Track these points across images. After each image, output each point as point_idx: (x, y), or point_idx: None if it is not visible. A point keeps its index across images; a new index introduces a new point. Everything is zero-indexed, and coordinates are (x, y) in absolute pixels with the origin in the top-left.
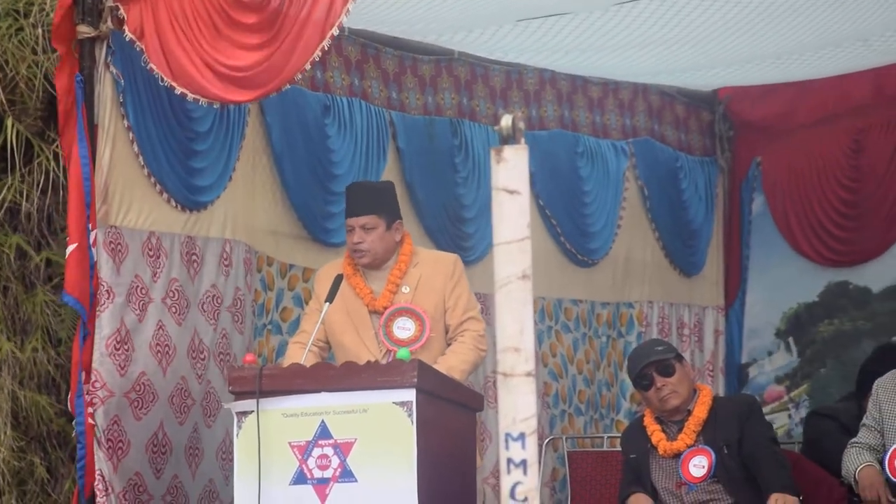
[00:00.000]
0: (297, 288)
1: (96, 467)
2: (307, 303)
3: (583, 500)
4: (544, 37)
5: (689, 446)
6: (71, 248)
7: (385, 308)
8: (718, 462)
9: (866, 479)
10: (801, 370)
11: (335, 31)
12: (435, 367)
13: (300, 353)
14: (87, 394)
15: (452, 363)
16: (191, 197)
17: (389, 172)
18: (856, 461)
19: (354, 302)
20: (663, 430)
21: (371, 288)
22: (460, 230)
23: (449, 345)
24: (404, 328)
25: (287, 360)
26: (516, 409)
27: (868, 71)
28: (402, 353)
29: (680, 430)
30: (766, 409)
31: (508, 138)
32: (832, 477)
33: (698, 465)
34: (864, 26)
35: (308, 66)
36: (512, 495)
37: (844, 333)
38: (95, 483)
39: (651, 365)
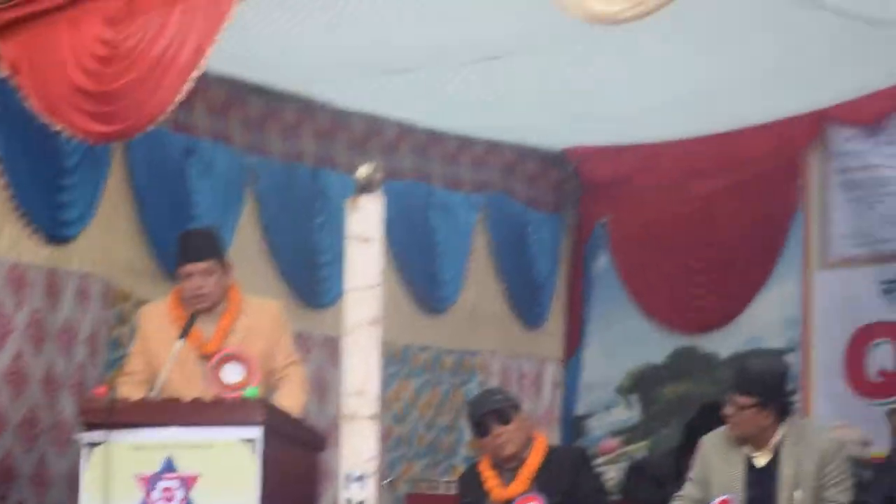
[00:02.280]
0: None
1: None
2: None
3: None
4: (404, 90)
5: (521, 493)
6: None
7: (215, 353)
8: None
9: None
10: (642, 427)
11: (198, 74)
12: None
13: (135, 391)
14: None
15: (289, 404)
16: (55, 231)
17: (248, 215)
18: None
19: (172, 337)
20: (498, 476)
21: (201, 332)
22: (315, 275)
23: (271, 388)
24: (233, 373)
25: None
26: (358, 450)
27: (715, 135)
28: (251, 391)
29: (514, 476)
30: (599, 461)
31: (365, 188)
32: None
33: None
34: (709, 88)
35: (171, 108)
36: None
37: (690, 396)
38: None
39: (489, 413)
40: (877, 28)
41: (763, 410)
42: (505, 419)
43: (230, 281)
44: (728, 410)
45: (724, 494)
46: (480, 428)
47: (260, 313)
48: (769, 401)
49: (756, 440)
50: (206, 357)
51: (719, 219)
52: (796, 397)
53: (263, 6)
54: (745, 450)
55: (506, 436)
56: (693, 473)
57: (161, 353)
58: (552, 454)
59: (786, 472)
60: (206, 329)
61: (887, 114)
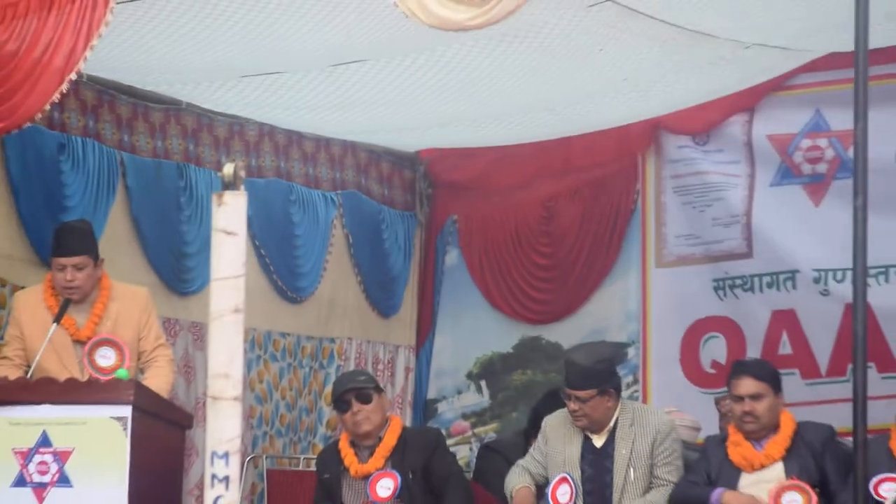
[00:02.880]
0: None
1: None
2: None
3: None
4: (265, 93)
5: (377, 469)
6: None
7: (88, 338)
8: (404, 485)
9: (518, 499)
10: (491, 411)
11: (73, 77)
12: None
13: (12, 373)
14: None
15: (159, 384)
16: None
17: (118, 208)
18: (515, 481)
19: (58, 331)
20: (356, 454)
21: (74, 319)
22: (181, 264)
23: (141, 369)
24: (106, 357)
25: None
26: (223, 429)
27: (559, 140)
28: (121, 373)
29: (371, 454)
30: (450, 442)
31: (230, 184)
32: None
33: (384, 487)
34: (553, 97)
35: (46, 107)
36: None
37: (536, 383)
38: None
39: (352, 391)
40: (701, 43)
41: (603, 396)
42: (366, 399)
43: (100, 273)
44: (572, 406)
45: (562, 473)
46: (342, 405)
47: (129, 299)
48: (607, 386)
49: (601, 423)
50: (80, 342)
51: (562, 218)
52: (636, 387)
53: (134, 14)
54: (585, 431)
55: (363, 414)
56: (534, 450)
57: (35, 338)
58: (407, 434)
59: (621, 452)
60: (79, 316)
61: (716, 124)
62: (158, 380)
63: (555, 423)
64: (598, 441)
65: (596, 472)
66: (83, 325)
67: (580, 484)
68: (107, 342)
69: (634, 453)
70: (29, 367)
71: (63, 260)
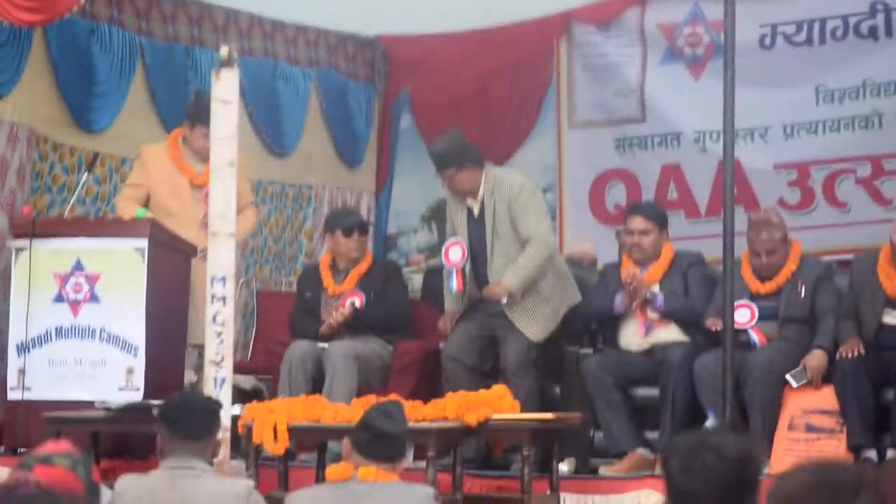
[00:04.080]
0: (65, 160)
1: None
2: (74, 170)
3: (265, 324)
4: None
5: (349, 289)
6: None
7: (205, 184)
8: (367, 302)
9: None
10: (438, 246)
11: None
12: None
13: (130, 206)
14: None
15: (239, 229)
16: None
17: (137, 82)
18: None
19: (179, 177)
20: (332, 276)
21: (193, 169)
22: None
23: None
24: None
25: (119, 209)
26: (220, 259)
27: (490, 28)
28: (140, 213)
29: (345, 277)
30: (407, 269)
31: (226, 63)
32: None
33: (354, 304)
34: None
35: (82, 2)
36: (214, 320)
37: None
38: None
39: (358, 223)
40: None
41: (462, 171)
42: (365, 231)
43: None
44: (444, 184)
45: (454, 237)
46: (347, 230)
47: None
48: (463, 162)
49: (473, 193)
50: (197, 187)
51: (492, 90)
52: (554, 223)
53: None
54: (468, 201)
55: (359, 243)
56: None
57: (158, 182)
58: (374, 264)
59: (488, 217)
60: (196, 167)
61: (617, 15)
62: (239, 226)
63: (449, 200)
64: (475, 209)
65: (475, 236)
66: (201, 173)
67: (468, 247)
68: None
69: (496, 218)
70: (143, 203)
71: (201, 127)
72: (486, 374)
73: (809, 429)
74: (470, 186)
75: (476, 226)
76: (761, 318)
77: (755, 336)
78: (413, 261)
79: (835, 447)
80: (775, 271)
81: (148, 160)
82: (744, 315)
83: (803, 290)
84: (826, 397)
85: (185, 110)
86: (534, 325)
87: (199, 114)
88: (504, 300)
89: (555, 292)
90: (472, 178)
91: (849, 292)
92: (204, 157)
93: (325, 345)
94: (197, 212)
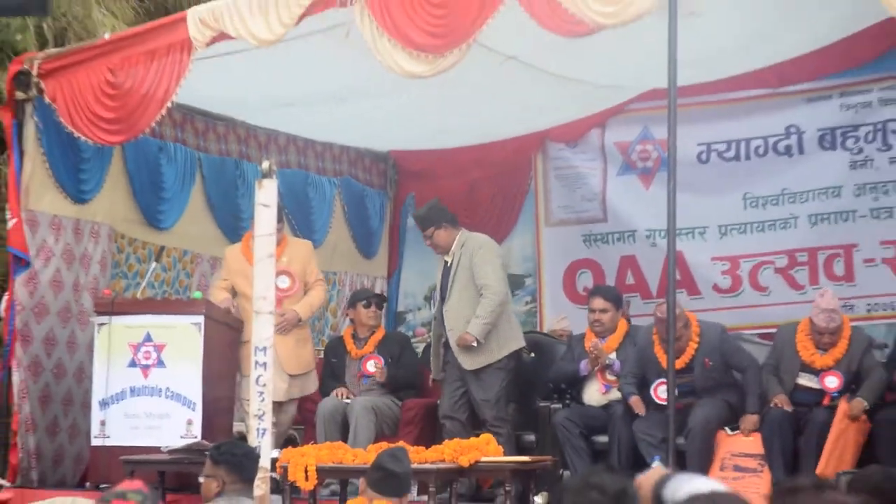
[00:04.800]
0: (138, 252)
1: (12, 352)
2: (145, 260)
3: None
4: (290, 116)
5: (369, 353)
6: (12, 221)
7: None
8: (385, 365)
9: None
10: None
11: (168, 105)
12: (302, 302)
13: (221, 294)
14: (12, 308)
15: (310, 301)
16: (78, 196)
17: (197, 190)
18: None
19: (247, 265)
20: (354, 343)
21: None
22: (237, 225)
23: (306, 292)
24: (284, 281)
25: (212, 297)
26: (262, 332)
27: (481, 145)
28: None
29: (365, 343)
30: (414, 340)
31: (266, 174)
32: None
33: (373, 364)
34: (473, 122)
35: (152, 124)
36: (257, 382)
37: None
38: (13, 362)
39: (375, 298)
40: (572, 84)
41: (440, 229)
42: (380, 305)
43: (282, 233)
44: (427, 242)
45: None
46: (366, 303)
47: (299, 246)
48: (440, 222)
49: (447, 248)
50: None
51: (481, 194)
52: (534, 304)
53: (207, 65)
54: (445, 256)
55: (376, 314)
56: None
57: (236, 273)
58: (387, 334)
59: (454, 268)
60: None
61: (582, 135)
62: (310, 298)
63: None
64: (449, 261)
65: (444, 282)
66: None
67: (438, 292)
68: (284, 272)
69: (460, 267)
70: (230, 291)
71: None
72: (474, 425)
73: (736, 468)
74: (445, 243)
75: (445, 273)
76: (682, 394)
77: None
78: (418, 332)
79: (757, 485)
80: (682, 350)
81: (229, 258)
82: (663, 391)
83: (710, 363)
84: (750, 444)
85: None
86: (471, 357)
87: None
88: (474, 345)
89: (496, 332)
90: (448, 236)
91: (771, 356)
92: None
93: (349, 400)
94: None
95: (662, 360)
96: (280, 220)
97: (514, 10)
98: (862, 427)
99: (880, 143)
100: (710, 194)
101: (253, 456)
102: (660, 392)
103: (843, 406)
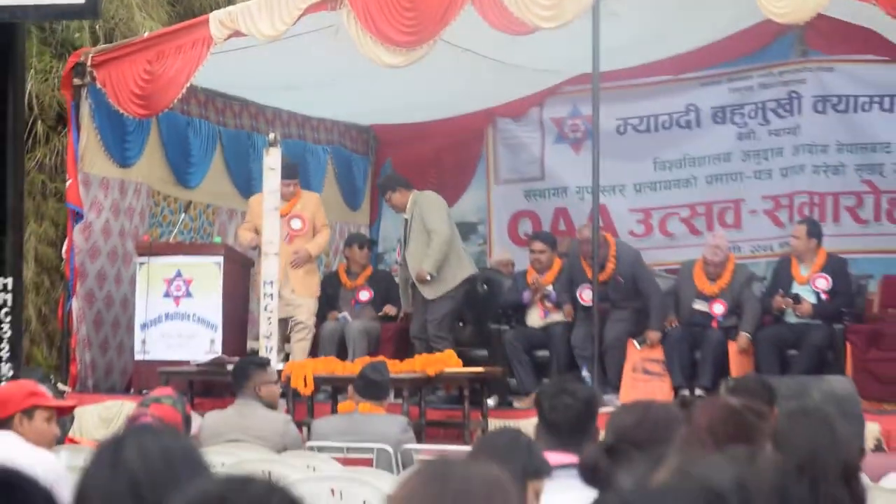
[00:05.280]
0: (170, 206)
1: (74, 286)
2: (177, 212)
3: None
4: (291, 97)
5: (360, 284)
6: (69, 182)
7: (286, 213)
8: (376, 294)
9: None
10: None
11: (186, 86)
12: (313, 242)
13: (248, 234)
14: (71, 251)
15: (318, 242)
16: (123, 161)
17: (217, 157)
18: None
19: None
20: (348, 277)
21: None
22: (250, 184)
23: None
24: (296, 224)
25: (240, 237)
26: (270, 268)
27: (441, 120)
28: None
29: (356, 278)
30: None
31: (272, 144)
32: None
33: (364, 295)
34: (440, 99)
35: (175, 101)
36: (265, 308)
37: None
38: (73, 296)
39: (368, 241)
40: (514, 70)
41: (395, 192)
42: (370, 247)
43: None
44: (389, 204)
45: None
46: (361, 244)
47: (308, 198)
48: (394, 185)
49: (404, 208)
50: (282, 216)
51: (444, 159)
52: (484, 245)
53: (226, 57)
54: (404, 214)
55: (365, 255)
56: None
57: (258, 216)
58: (375, 272)
59: (410, 222)
60: (282, 203)
61: (525, 111)
62: (319, 239)
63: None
64: (407, 217)
65: (405, 234)
66: (282, 207)
67: (403, 243)
68: (297, 216)
69: (414, 220)
70: (254, 230)
71: (286, 181)
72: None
73: (645, 372)
74: (401, 203)
75: (406, 227)
76: (601, 300)
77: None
78: (393, 270)
79: (661, 387)
80: (602, 267)
81: (254, 205)
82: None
83: (621, 281)
84: (655, 353)
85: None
86: (430, 289)
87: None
88: (428, 277)
89: (448, 266)
90: (402, 198)
91: (674, 286)
92: (285, 197)
93: (342, 316)
94: (283, 231)
95: (587, 271)
96: (296, 175)
97: (470, 14)
98: (750, 347)
99: (761, 119)
100: (626, 159)
101: (254, 365)
102: (584, 296)
103: (733, 345)
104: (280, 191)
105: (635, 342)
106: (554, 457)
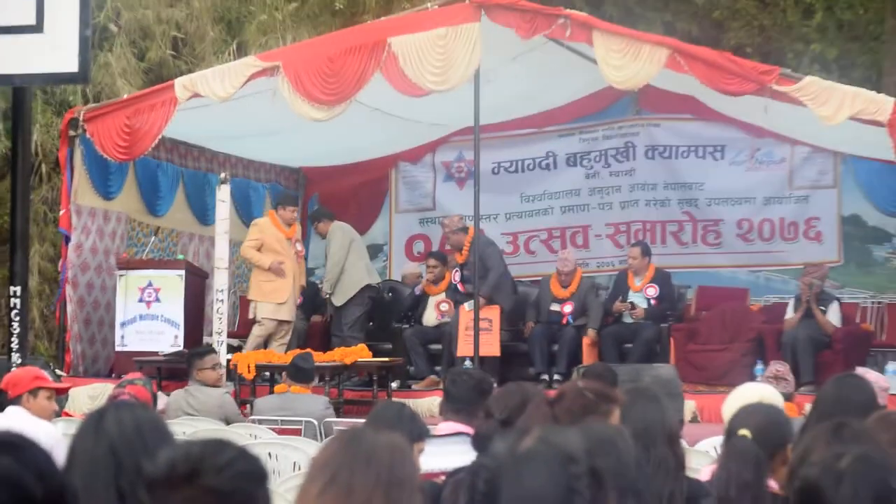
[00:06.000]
0: (143, 230)
1: (65, 292)
2: (148, 234)
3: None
4: (234, 144)
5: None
6: (62, 211)
7: (291, 236)
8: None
9: None
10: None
11: (158, 138)
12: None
13: (255, 252)
14: (65, 266)
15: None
16: (106, 195)
17: (180, 191)
18: None
19: (279, 233)
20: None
21: (285, 229)
22: (206, 214)
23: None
24: (300, 244)
25: (248, 253)
26: (219, 280)
27: (356, 163)
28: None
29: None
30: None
31: (223, 182)
32: None
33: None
34: (359, 145)
35: (148, 149)
36: (217, 311)
37: None
38: (68, 301)
39: (292, 198)
40: (414, 126)
41: (323, 222)
42: (295, 204)
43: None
44: (315, 230)
45: None
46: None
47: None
48: (323, 218)
49: (325, 235)
50: (288, 238)
51: (360, 193)
52: (386, 262)
53: (188, 113)
54: (324, 239)
55: (291, 214)
56: None
57: (268, 236)
58: (309, 283)
59: (328, 245)
60: (285, 228)
61: (421, 157)
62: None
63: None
64: (326, 241)
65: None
66: (288, 230)
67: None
68: (300, 240)
69: (329, 244)
70: (259, 249)
71: (292, 207)
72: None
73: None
74: (324, 230)
75: (325, 249)
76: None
77: None
78: (320, 283)
79: (489, 340)
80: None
81: (263, 227)
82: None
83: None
84: (490, 312)
85: (276, 199)
86: (336, 298)
87: (282, 201)
88: (326, 295)
89: (348, 278)
90: (325, 226)
91: (537, 295)
92: (288, 222)
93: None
94: (290, 250)
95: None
96: (296, 203)
97: (379, 79)
98: (597, 340)
99: (604, 163)
100: (499, 194)
101: (207, 354)
102: (456, 277)
103: (586, 340)
104: (285, 216)
105: (465, 305)
106: (451, 425)
